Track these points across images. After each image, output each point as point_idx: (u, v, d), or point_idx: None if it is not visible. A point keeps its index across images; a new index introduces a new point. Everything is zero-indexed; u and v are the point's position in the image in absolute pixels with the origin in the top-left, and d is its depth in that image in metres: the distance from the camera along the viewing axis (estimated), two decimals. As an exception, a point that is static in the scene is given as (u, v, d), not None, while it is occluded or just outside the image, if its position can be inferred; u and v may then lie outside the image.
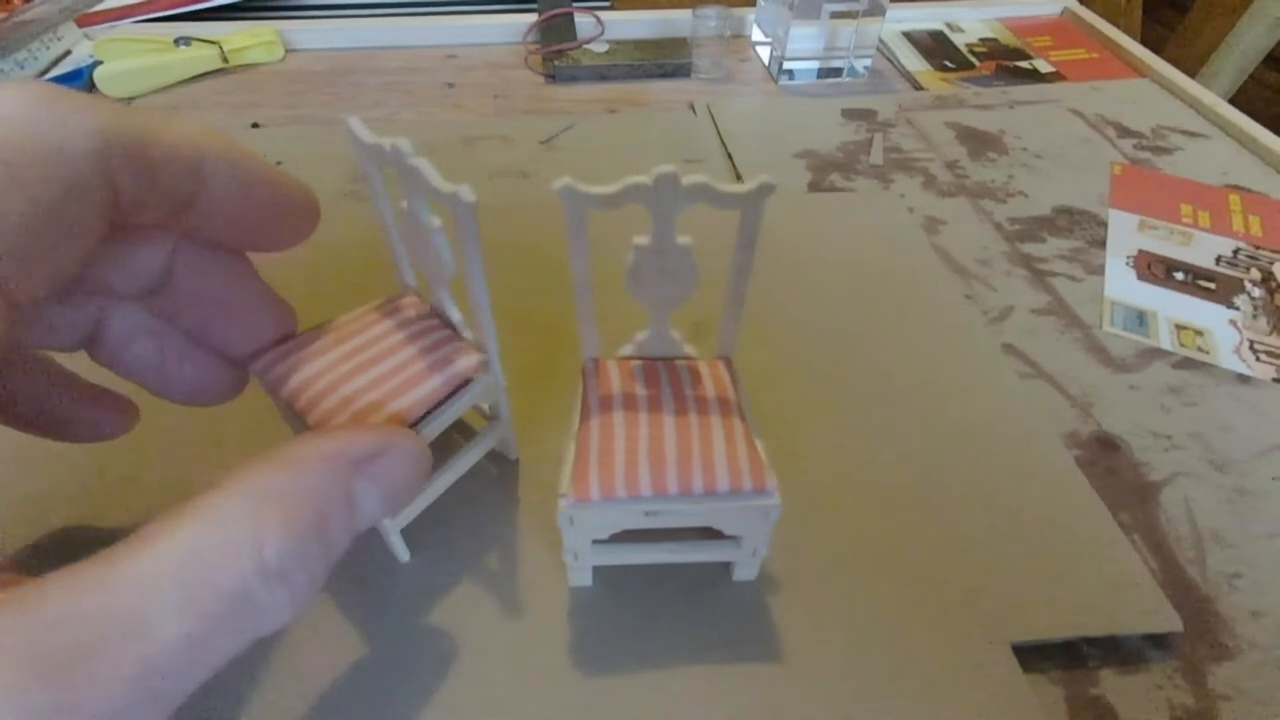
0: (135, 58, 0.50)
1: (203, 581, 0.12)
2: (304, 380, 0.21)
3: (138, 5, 0.57)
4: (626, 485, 0.19)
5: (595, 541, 0.21)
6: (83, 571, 0.12)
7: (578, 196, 0.18)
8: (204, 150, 0.16)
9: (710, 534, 0.22)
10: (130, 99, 0.50)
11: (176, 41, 0.52)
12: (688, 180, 0.17)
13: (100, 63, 0.50)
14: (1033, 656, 0.23)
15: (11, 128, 0.13)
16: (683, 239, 0.19)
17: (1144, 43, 1.05)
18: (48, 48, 0.54)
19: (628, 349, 0.23)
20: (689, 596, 0.23)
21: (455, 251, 0.19)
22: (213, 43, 0.52)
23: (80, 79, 0.50)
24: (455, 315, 0.23)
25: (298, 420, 0.21)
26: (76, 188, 0.14)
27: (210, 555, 0.13)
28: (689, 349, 0.23)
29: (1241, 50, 0.92)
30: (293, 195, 0.19)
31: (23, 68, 0.52)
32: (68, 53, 0.55)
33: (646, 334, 0.22)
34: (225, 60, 0.53)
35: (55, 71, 0.53)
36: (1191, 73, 0.98)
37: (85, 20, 0.57)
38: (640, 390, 0.22)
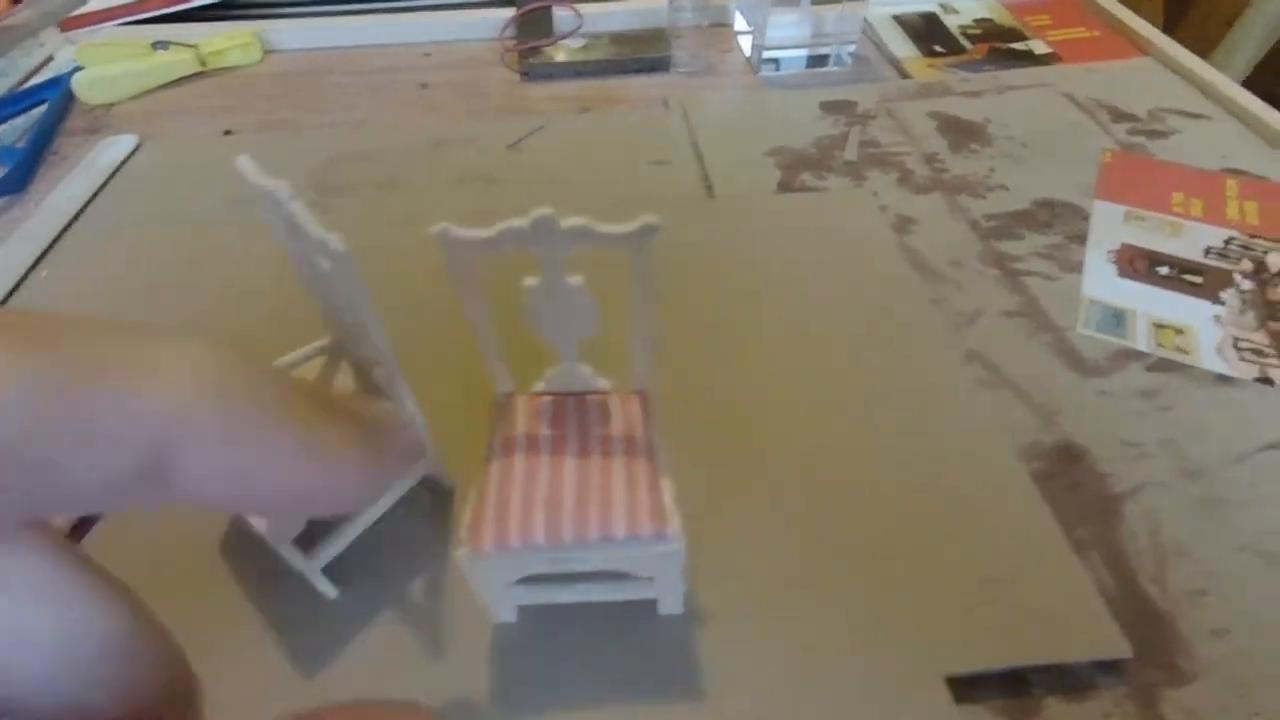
0: (113, 63, 0.50)
1: None
2: None
3: (120, 7, 0.57)
4: (521, 534, 0.19)
5: (508, 584, 0.21)
6: None
7: (454, 242, 0.17)
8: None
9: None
10: (110, 105, 0.50)
11: (154, 45, 0.52)
12: (566, 222, 0.17)
13: (81, 68, 0.50)
14: (975, 685, 0.22)
15: None
16: (573, 279, 0.18)
17: (1166, 12, 1.01)
18: (29, 54, 0.55)
19: (541, 384, 0.22)
20: (615, 631, 0.23)
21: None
22: (190, 46, 0.52)
23: (59, 87, 0.50)
24: (365, 350, 0.22)
25: None
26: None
27: None
28: (602, 382, 0.22)
29: (1264, 19, 0.88)
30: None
31: (4, 75, 0.52)
32: (50, 59, 0.56)
33: (557, 369, 0.22)
34: (203, 64, 0.53)
35: (36, 79, 0.53)
36: (1212, 44, 0.94)
37: (69, 24, 0.57)
38: (546, 430, 0.21)
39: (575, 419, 0.22)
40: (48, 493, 0.09)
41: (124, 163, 0.45)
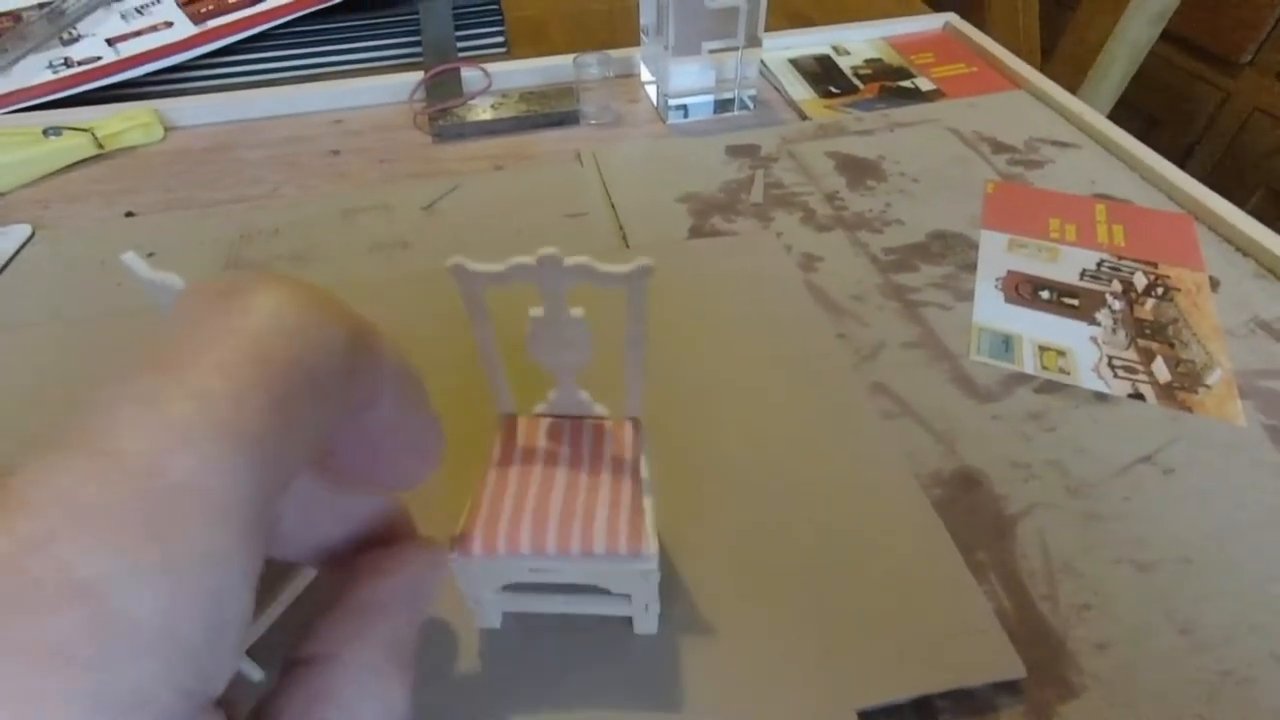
0: (1, 153, 0.49)
1: None
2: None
3: (6, 95, 0.55)
4: (507, 542, 0.20)
5: (494, 589, 0.23)
6: None
7: (467, 275, 0.19)
8: (396, 373, 0.16)
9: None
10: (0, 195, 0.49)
11: (45, 132, 0.51)
12: (570, 261, 0.18)
13: (-35, 160, 0.48)
14: (884, 714, 0.23)
15: (289, 338, 0.13)
16: (575, 311, 0.20)
17: (1044, 34, 1.09)
18: (-89, 147, 0.52)
19: (542, 406, 0.24)
20: (597, 642, 0.24)
21: None
22: (84, 130, 0.51)
23: (-55, 178, 0.48)
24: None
25: None
26: (331, 390, 0.13)
27: None
28: (599, 408, 0.24)
29: (1129, 44, 0.95)
30: (432, 445, 0.18)
31: (-116, 171, 0.50)
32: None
33: (558, 393, 0.23)
34: (100, 146, 0.52)
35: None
36: (1085, 70, 1.01)
37: (-46, 113, 0.55)
38: (542, 447, 0.23)
39: (570, 440, 0.23)
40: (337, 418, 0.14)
41: (17, 253, 0.43)
